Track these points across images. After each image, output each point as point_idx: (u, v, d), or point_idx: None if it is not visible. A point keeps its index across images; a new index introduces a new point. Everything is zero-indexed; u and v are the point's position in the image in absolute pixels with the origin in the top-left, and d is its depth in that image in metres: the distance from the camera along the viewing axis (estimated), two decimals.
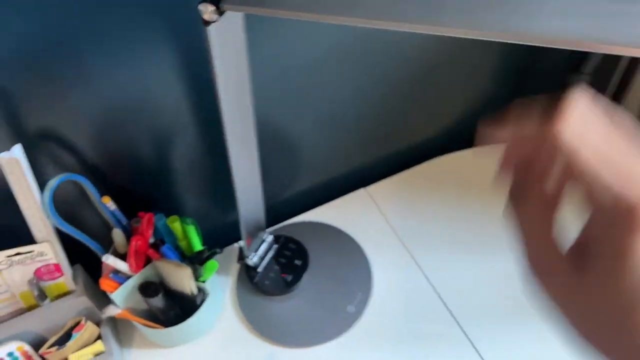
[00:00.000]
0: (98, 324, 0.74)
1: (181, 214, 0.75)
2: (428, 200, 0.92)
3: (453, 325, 0.76)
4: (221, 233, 0.89)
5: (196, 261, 0.72)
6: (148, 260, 0.71)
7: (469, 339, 0.74)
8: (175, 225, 0.72)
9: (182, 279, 0.70)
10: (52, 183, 0.60)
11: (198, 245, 0.74)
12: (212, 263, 0.72)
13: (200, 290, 0.74)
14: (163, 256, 0.70)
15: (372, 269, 0.83)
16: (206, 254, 0.71)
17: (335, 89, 0.81)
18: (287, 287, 0.81)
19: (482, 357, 0.72)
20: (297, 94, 0.78)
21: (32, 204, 0.59)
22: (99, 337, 0.73)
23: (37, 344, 0.71)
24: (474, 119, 1.01)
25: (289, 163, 0.88)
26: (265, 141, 0.78)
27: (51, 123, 0.62)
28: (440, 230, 0.88)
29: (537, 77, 0.99)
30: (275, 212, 0.91)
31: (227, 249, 0.88)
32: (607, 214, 0.22)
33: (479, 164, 0.96)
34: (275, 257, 0.84)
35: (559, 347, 0.72)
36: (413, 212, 0.91)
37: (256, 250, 0.82)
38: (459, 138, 1.02)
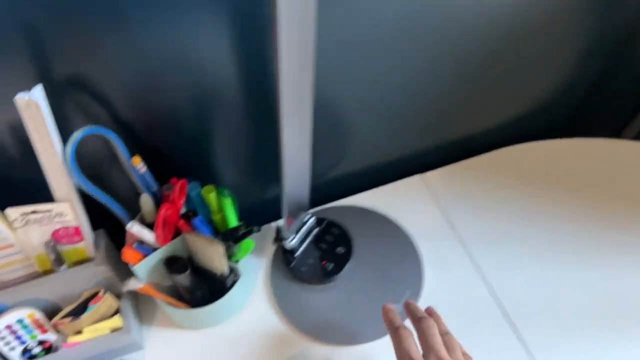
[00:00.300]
0: (118, 296, 0.67)
1: (217, 185, 0.66)
2: (490, 194, 0.82)
3: (509, 333, 0.66)
4: (257, 210, 0.81)
5: (230, 238, 0.64)
6: (177, 233, 0.64)
7: (527, 349, 0.64)
8: (211, 196, 0.64)
9: (213, 256, 0.62)
10: (77, 135, 0.52)
11: (234, 221, 0.66)
12: (248, 242, 0.64)
13: (231, 270, 0.66)
14: (194, 229, 0.62)
15: (423, 265, 0.74)
16: (242, 231, 0.63)
17: (394, 68, 0.71)
18: (326, 276, 0.72)
19: None
20: (354, 70, 0.68)
21: (52, 156, 0.51)
22: (117, 312, 0.67)
23: (50, 313, 0.64)
24: (547, 110, 0.90)
25: (339, 141, 0.79)
26: (317, 115, 0.69)
27: (83, 70, 0.54)
28: (502, 227, 0.78)
29: (629, 67, 0.87)
30: (320, 192, 0.82)
31: (263, 228, 0.80)
32: None
33: (546, 159, 0.85)
34: (316, 242, 0.76)
35: None
36: (473, 205, 0.81)
37: (296, 233, 0.74)
38: (528, 129, 0.91)
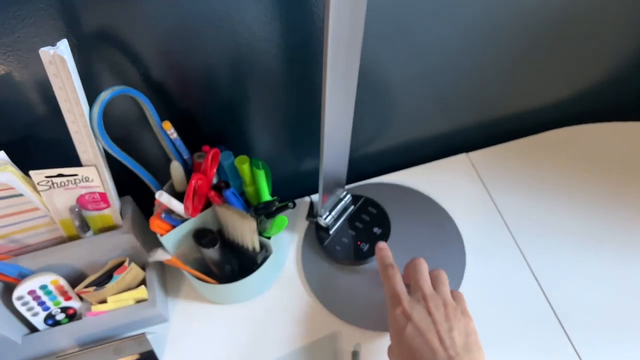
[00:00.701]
0: (143, 267, 0.65)
1: (250, 155, 0.62)
2: (540, 178, 0.76)
3: (555, 326, 0.62)
4: (291, 183, 0.77)
5: (263, 212, 0.60)
6: (207, 204, 0.60)
7: (572, 344, 0.60)
8: (245, 167, 0.60)
9: (244, 231, 0.58)
10: (105, 95, 0.48)
11: (267, 195, 0.62)
12: (282, 218, 0.60)
13: (262, 246, 0.62)
14: (225, 201, 0.58)
15: (465, 250, 0.69)
16: (276, 206, 0.58)
17: (446, 39, 0.65)
18: (361, 257, 0.68)
19: None
20: (402, 40, 0.62)
21: (78, 117, 0.48)
22: (142, 282, 0.64)
23: (75, 280, 0.62)
24: (606, 89, 0.82)
25: (382, 113, 0.74)
26: (360, 83, 0.64)
27: (112, 24, 0.50)
28: (550, 214, 0.72)
29: None
30: (357, 168, 0.77)
31: (297, 202, 0.76)
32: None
33: (602, 143, 0.79)
34: (351, 221, 0.71)
35: None
36: (521, 189, 0.75)
37: (331, 210, 0.69)
38: (582, 110, 0.84)
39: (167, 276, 0.70)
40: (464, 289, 0.66)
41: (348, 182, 0.77)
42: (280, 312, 0.66)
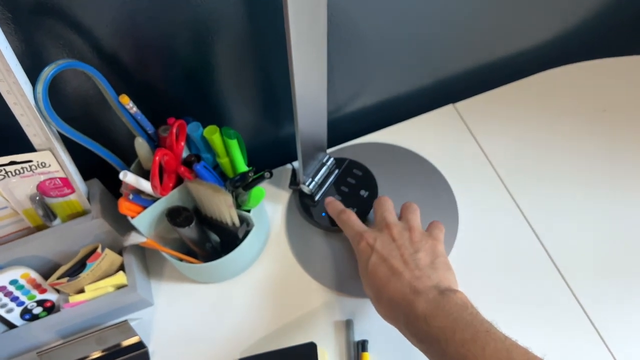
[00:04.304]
0: (121, 252, 0.61)
1: (222, 124, 0.58)
2: (530, 122, 0.72)
3: (552, 271, 0.60)
4: (270, 150, 0.73)
5: (239, 185, 0.56)
6: (180, 181, 0.56)
7: (573, 292, 0.58)
8: (215, 137, 0.55)
9: (220, 206, 0.54)
10: (48, 72, 0.44)
11: (242, 166, 0.58)
12: (259, 190, 0.56)
13: (242, 220, 0.59)
14: (197, 176, 0.55)
15: (457, 205, 0.66)
16: (252, 177, 0.55)
17: None
18: None
19: (585, 311, 0.57)
20: None
21: (20, 98, 0.43)
22: (122, 268, 0.61)
23: (48, 271, 0.59)
24: (591, 26, 0.78)
25: (360, 67, 0.69)
26: (333, 37, 0.59)
27: None
28: (543, 160, 0.69)
29: None
30: (339, 129, 0.73)
31: (277, 171, 0.72)
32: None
33: (593, 81, 0.75)
34: (337, 185, 0.68)
35: None
36: (511, 136, 0.71)
37: (313, 175, 0.66)
38: (568, 50, 0.79)
39: (148, 259, 0.67)
40: (459, 242, 0.63)
41: (331, 145, 0.73)
42: (268, 286, 0.63)
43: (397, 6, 0.62)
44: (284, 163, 0.73)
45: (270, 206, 0.69)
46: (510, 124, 0.72)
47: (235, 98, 0.64)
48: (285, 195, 0.70)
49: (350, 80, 0.71)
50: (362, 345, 0.57)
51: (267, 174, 0.54)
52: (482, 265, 0.61)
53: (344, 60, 0.66)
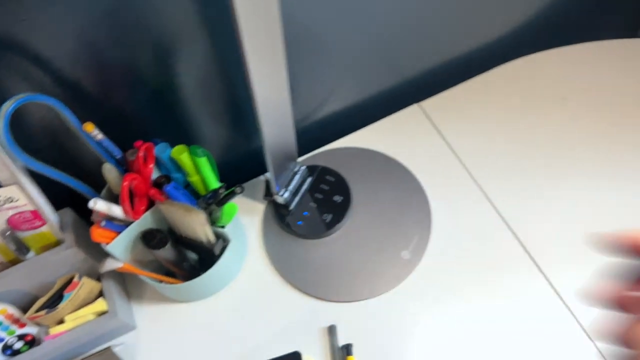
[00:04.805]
0: (100, 278, 0.61)
1: (191, 143, 0.58)
2: (495, 116, 0.74)
3: (530, 266, 0.61)
4: (243, 164, 0.74)
5: (212, 202, 0.56)
6: (152, 203, 0.56)
7: (546, 277, 0.60)
8: (184, 157, 0.56)
9: (194, 225, 0.55)
10: (7, 107, 0.44)
11: (214, 182, 0.58)
12: (231, 206, 0.56)
13: (218, 236, 0.59)
14: (168, 197, 0.55)
15: (430, 204, 0.67)
16: (224, 193, 0.55)
17: None
18: (325, 228, 0.65)
19: (558, 294, 0.59)
20: None
21: None
22: (101, 294, 0.60)
23: (27, 304, 0.59)
24: (547, 16, 0.80)
25: (325, 74, 0.70)
26: (295, 46, 0.60)
27: (12, 27, 0.44)
28: (510, 152, 0.70)
29: None
30: (310, 136, 0.74)
31: (252, 183, 0.72)
32: None
33: (552, 70, 0.76)
34: (311, 193, 0.68)
35: None
36: (478, 130, 0.73)
37: (287, 185, 0.66)
38: (527, 41, 0.81)
39: (128, 282, 0.67)
40: (433, 239, 0.64)
41: (303, 153, 0.74)
42: (250, 299, 0.63)
43: (356, 12, 0.63)
44: (257, 175, 0.73)
45: (247, 219, 0.69)
46: (475, 118, 0.74)
47: (203, 115, 0.64)
48: (260, 207, 0.70)
49: (317, 88, 0.72)
50: (347, 350, 0.58)
51: (238, 190, 0.54)
52: (457, 260, 0.62)
53: (309, 68, 0.67)
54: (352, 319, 0.60)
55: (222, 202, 0.56)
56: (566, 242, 0.62)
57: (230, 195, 0.55)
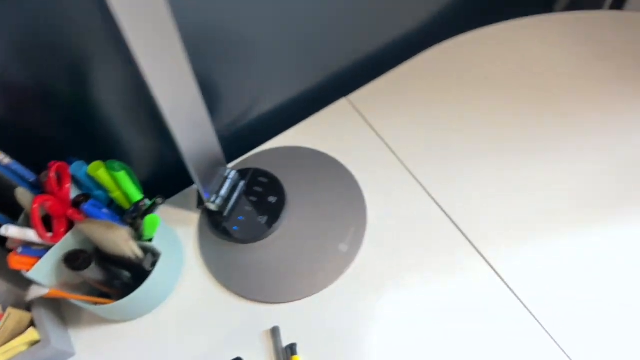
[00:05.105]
0: (30, 307, 0.59)
1: (116, 159, 0.57)
2: (424, 102, 0.75)
3: (465, 245, 0.62)
4: (175, 174, 0.72)
5: (136, 216, 0.55)
6: (73, 224, 0.55)
7: (484, 257, 0.61)
8: (101, 173, 0.54)
9: (117, 242, 0.53)
10: None
11: (137, 196, 0.57)
12: (152, 218, 0.55)
13: (147, 250, 0.58)
14: (88, 216, 0.53)
15: (364, 195, 0.67)
16: (146, 205, 0.54)
17: None
18: (262, 231, 0.65)
19: (498, 274, 0.60)
20: None
21: None
22: (33, 323, 0.58)
23: None
24: (464, 1, 0.81)
25: (251, 76, 0.69)
26: (215, 52, 0.59)
27: None
28: (441, 138, 0.71)
29: None
30: (242, 139, 0.73)
31: (185, 193, 0.71)
32: None
33: (473, 53, 0.78)
34: (244, 196, 0.68)
35: (573, 258, 0.59)
36: (408, 119, 0.73)
37: (218, 191, 0.65)
38: (447, 26, 0.82)
39: (64, 308, 0.65)
40: (369, 230, 0.64)
41: (235, 157, 0.73)
42: (191, 311, 0.62)
43: (274, 10, 0.63)
44: (191, 184, 0.72)
45: (182, 230, 0.68)
46: (403, 106, 0.74)
47: (124, 130, 0.63)
48: (195, 216, 0.69)
49: (244, 91, 0.71)
50: (291, 349, 0.57)
51: (159, 200, 0.53)
52: (395, 248, 0.63)
53: (233, 72, 0.66)
54: (295, 319, 0.60)
55: (146, 214, 0.55)
56: (500, 221, 0.63)
57: (153, 206, 0.53)
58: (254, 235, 0.65)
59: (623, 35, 0.76)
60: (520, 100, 0.72)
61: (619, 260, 0.59)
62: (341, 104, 0.76)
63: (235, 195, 0.67)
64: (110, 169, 0.55)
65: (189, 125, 0.52)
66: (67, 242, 0.53)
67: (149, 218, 0.55)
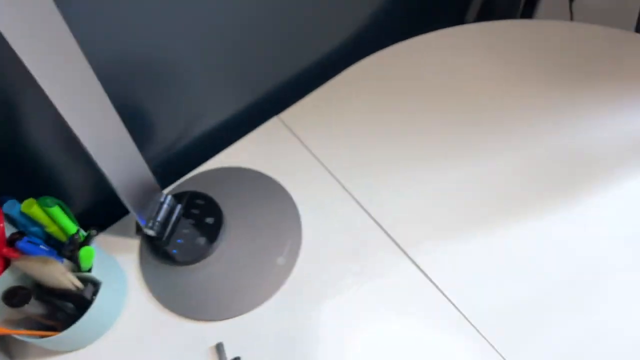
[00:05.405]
0: None
1: (50, 192, 0.58)
2: (352, 116, 0.79)
3: (395, 250, 0.66)
4: (114, 203, 0.74)
5: (72, 249, 0.57)
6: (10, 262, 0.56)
7: (413, 261, 0.65)
8: (34, 210, 0.56)
9: (55, 275, 0.55)
10: None
11: (72, 229, 0.59)
12: (87, 250, 0.57)
13: (88, 280, 0.59)
14: (24, 253, 0.55)
15: (299, 209, 0.71)
16: (81, 237, 0.56)
17: (220, 3, 0.64)
18: (202, 251, 0.68)
19: (426, 275, 0.64)
20: (168, 15, 0.60)
21: None
22: None
23: None
24: (382, 18, 0.86)
25: (182, 102, 0.72)
26: (138, 81, 0.62)
27: None
28: (370, 150, 0.75)
29: None
30: (177, 165, 0.76)
31: (124, 221, 0.73)
32: None
33: (394, 66, 0.83)
34: (182, 219, 0.70)
35: (498, 254, 0.65)
36: (336, 134, 0.77)
37: (155, 217, 0.67)
38: (367, 43, 0.87)
39: (11, 344, 0.65)
40: (305, 242, 0.68)
41: (173, 181, 0.75)
42: (138, 334, 0.64)
43: (201, 35, 0.66)
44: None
45: (123, 257, 0.70)
46: (331, 120, 0.78)
47: (54, 164, 0.64)
48: (136, 242, 0.71)
49: (176, 117, 0.74)
50: None
51: (93, 232, 0.55)
52: (330, 257, 0.66)
53: (162, 100, 0.69)
54: (239, 333, 0.63)
55: (82, 245, 0.57)
56: (426, 225, 0.68)
57: (88, 238, 0.55)
58: (194, 256, 0.67)
59: (529, 42, 0.82)
60: (439, 107, 0.77)
61: (536, 253, 0.64)
62: (273, 123, 0.79)
63: (173, 219, 0.70)
64: (43, 205, 0.56)
65: (117, 158, 0.55)
66: (4, 280, 0.55)
67: (83, 250, 0.57)
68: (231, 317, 0.64)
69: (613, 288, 0.61)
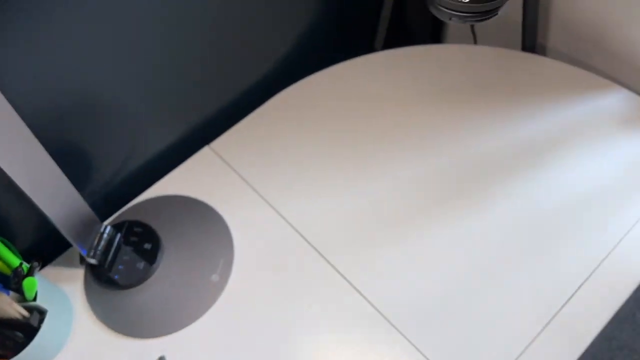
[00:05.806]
0: None
1: None
2: (280, 144, 0.86)
3: (325, 266, 0.74)
4: (59, 234, 0.79)
5: (17, 281, 0.62)
6: None
7: (341, 274, 0.73)
8: None
9: (1, 306, 0.60)
10: None
11: (15, 262, 0.64)
12: (29, 281, 0.63)
13: (34, 309, 0.65)
14: None
15: (230, 230, 0.78)
16: (24, 270, 0.61)
17: (146, 38, 0.70)
18: (141, 275, 0.74)
19: (353, 286, 0.72)
20: (94, 54, 0.67)
21: None
22: None
23: None
24: (302, 47, 0.95)
25: (116, 137, 0.78)
26: (72, 119, 0.68)
27: None
28: (295, 171, 0.83)
29: None
30: (116, 196, 0.82)
31: (70, 252, 0.78)
32: None
33: (317, 92, 0.91)
34: (122, 247, 0.76)
35: (413, 256, 0.73)
36: (266, 160, 0.85)
37: (96, 247, 0.73)
38: (288, 73, 0.95)
39: None
40: (236, 260, 0.75)
41: (114, 211, 0.81)
42: (86, 357, 0.69)
43: (128, 73, 0.72)
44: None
45: (69, 285, 0.75)
46: (259, 145, 0.86)
47: None
48: (81, 271, 0.77)
49: (112, 153, 0.80)
50: None
51: (35, 264, 0.61)
52: (260, 272, 0.74)
53: (97, 137, 0.75)
54: (180, 347, 0.69)
55: (26, 277, 0.62)
56: (348, 235, 0.76)
57: (31, 270, 0.61)
58: (135, 280, 0.73)
59: (428, 65, 0.92)
60: (354, 129, 0.86)
61: (451, 254, 0.73)
62: (204, 153, 0.87)
63: (114, 247, 0.76)
64: None
65: (54, 197, 0.61)
66: None
67: (26, 281, 0.62)
68: (172, 332, 0.70)
69: (507, 276, 0.70)
